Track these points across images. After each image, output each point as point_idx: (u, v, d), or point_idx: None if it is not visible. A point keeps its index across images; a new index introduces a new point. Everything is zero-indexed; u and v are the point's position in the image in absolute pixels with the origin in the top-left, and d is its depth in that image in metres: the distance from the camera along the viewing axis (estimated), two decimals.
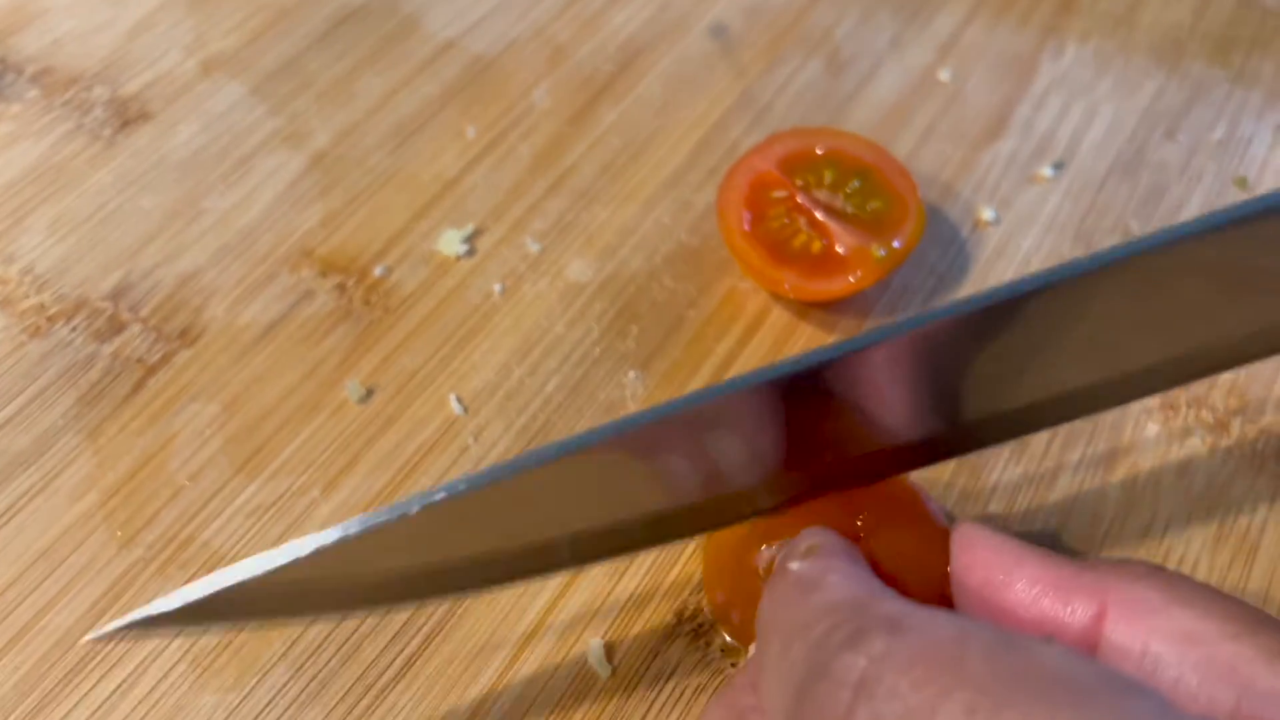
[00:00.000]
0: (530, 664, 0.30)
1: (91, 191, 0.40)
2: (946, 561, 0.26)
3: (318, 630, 0.30)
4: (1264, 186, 0.40)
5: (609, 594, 0.31)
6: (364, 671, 0.29)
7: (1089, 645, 0.22)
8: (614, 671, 0.29)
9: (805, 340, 0.36)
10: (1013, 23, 0.45)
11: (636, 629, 0.30)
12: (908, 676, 0.18)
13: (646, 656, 0.30)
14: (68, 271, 0.37)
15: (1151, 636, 0.21)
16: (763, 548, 0.28)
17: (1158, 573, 0.23)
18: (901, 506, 0.27)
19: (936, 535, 0.27)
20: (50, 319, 0.36)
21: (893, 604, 0.20)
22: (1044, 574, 0.24)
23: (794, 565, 0.23)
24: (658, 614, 0.30)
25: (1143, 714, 0.17)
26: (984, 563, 0.25)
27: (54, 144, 0.41)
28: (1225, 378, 0.35)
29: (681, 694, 0.29)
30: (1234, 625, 0.21)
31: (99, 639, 0.23)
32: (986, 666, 0.17)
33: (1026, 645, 0.18)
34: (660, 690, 0.29)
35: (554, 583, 0.31)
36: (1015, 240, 0.39)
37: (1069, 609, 0.23)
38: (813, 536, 0.24)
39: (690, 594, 0.31)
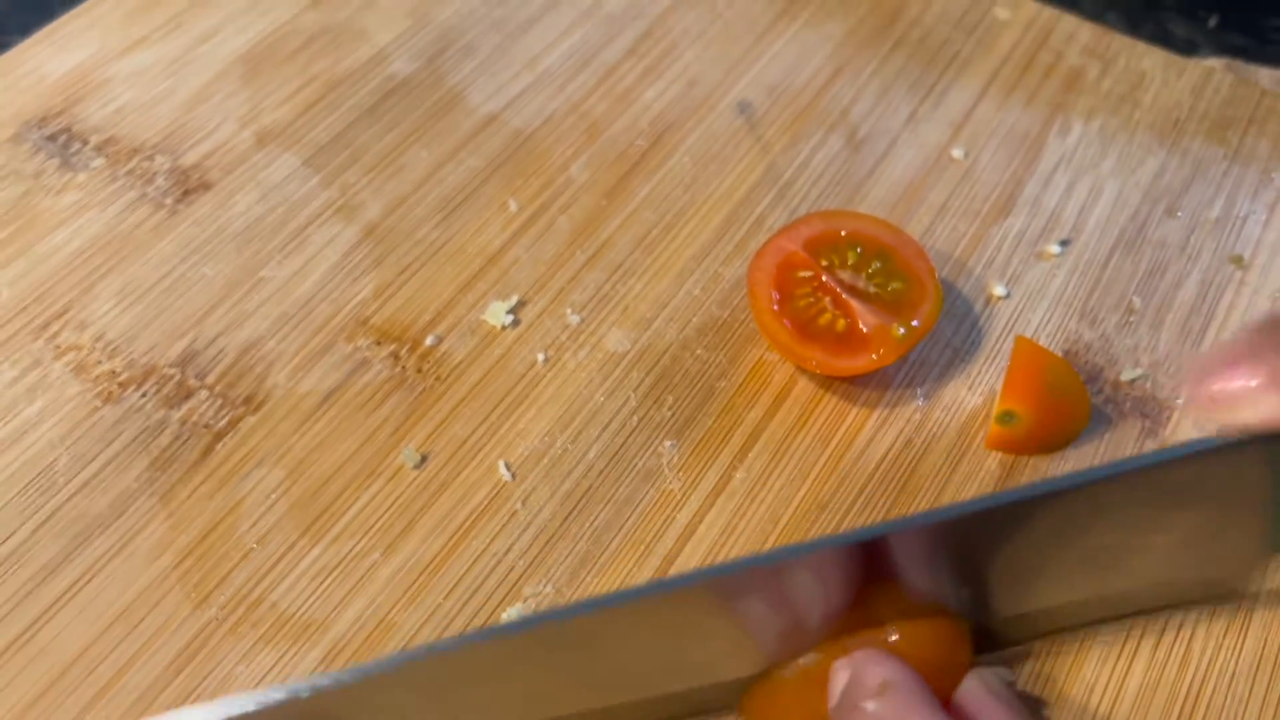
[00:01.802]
0: None
1: (156, 260, 0.42)
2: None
3: None
4: (1259, 264, 0.43)
5: None
6: None
7: None
8: None
9: (830, 411, 0.39)
10: (1021, 100, 0.48)
11: None
12: None
13: None
14: (136, 338, 0.40)
15: None
16: None
17: None
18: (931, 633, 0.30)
19: (956, 663, 0.30)
20: (121, 385, 0.39)
21: None
22: None
23: (869, 706, 0.25)
24: None
25: None
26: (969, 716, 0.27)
27: (119, 213, 0.43)
28: None
29: None
30: None
31: None
32: None
33: None
34: None
35: None
36: (1025, 315, 0.41)
37: None
38: (881, 668, 0.26)
39: None
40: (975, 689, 0.28)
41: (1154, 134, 0.47)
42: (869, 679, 0.26)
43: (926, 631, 0.29)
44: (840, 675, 0.27)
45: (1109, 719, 0.32)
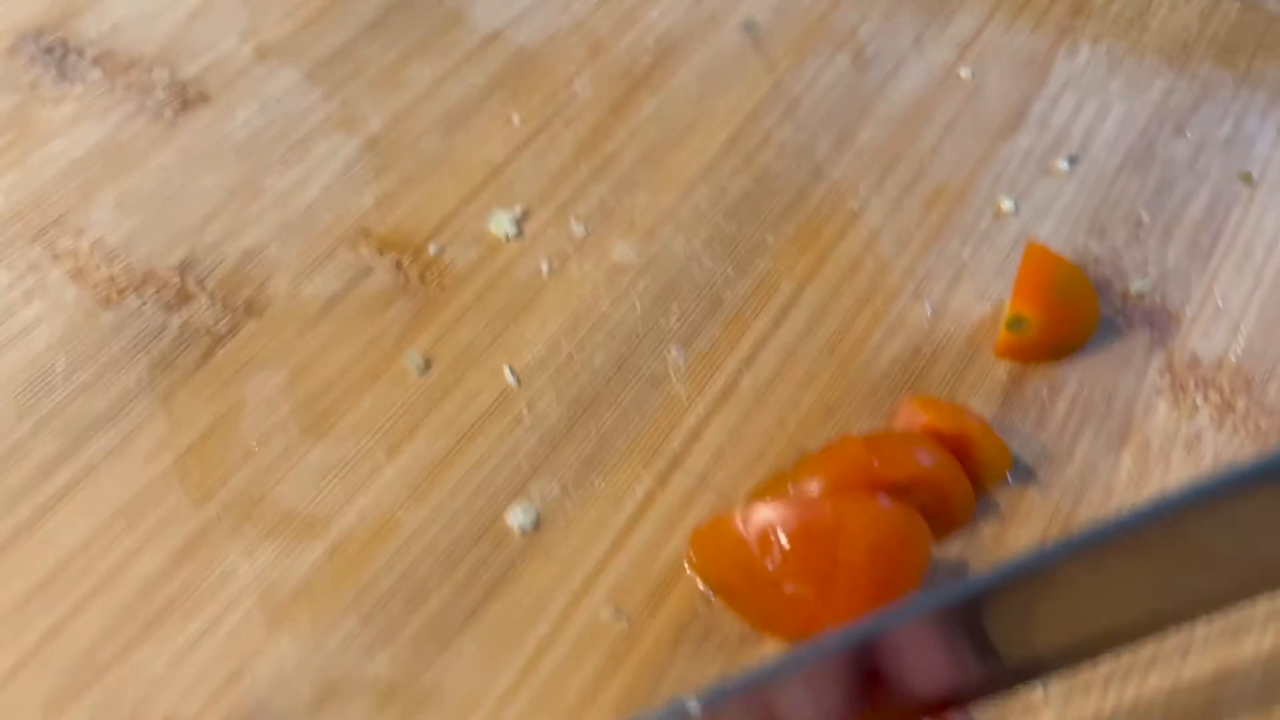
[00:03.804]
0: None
1: (155, 169, 0.41)
2: None
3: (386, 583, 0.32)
4: (1268, 182, 0.43)
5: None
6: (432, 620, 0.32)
7: None
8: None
9: (837, 321, 0.38)
10: (1029, 24, 0.48)
11: None
12: None
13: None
14: (135, 245, 0.39)
15: None
16: (736, 514, 0.31)
17: None
18: None
19: None
20: (121, 290, 0.38)
21: None
22: None
23: None
24: None
25: None
26: None
27: (117, 124, 0.43)
28: (1230, 360, 0.38)
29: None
30: None
31: None
32: None
33: None
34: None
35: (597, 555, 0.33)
36: (1033, 229, 0.41)
37: None
38: None
39: None
40: None
41: (1162, 57, 0.47)
42: None
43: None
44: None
45: None
